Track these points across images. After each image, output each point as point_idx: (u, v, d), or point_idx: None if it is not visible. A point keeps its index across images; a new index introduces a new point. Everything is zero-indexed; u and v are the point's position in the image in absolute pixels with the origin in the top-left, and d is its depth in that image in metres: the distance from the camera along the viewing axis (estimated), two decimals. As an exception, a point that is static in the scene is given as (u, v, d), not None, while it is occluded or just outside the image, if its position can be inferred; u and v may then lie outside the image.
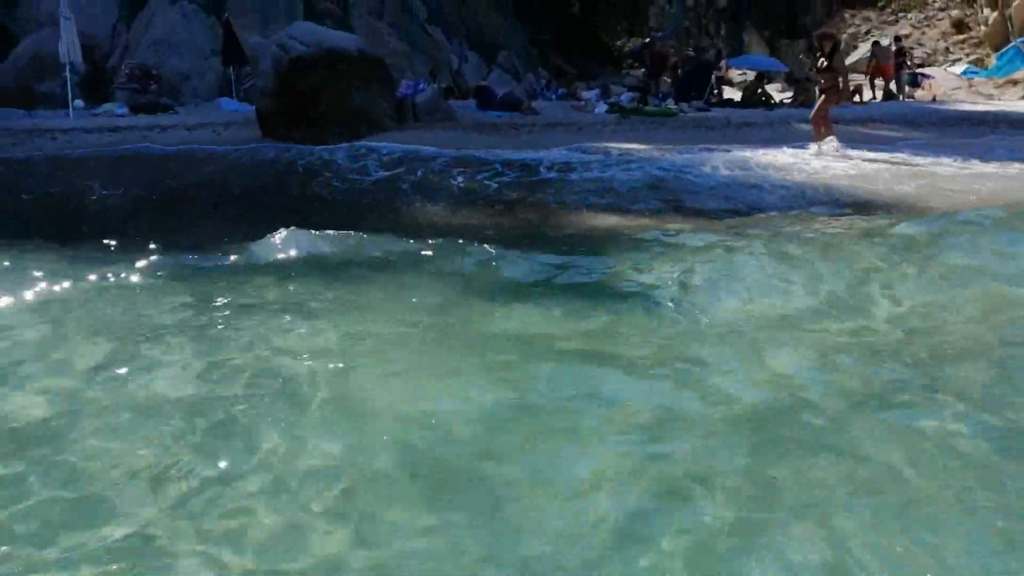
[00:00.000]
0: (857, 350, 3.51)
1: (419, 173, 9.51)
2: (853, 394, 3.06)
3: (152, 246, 5.52)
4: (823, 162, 10.04)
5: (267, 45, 13.28)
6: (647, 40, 25.21)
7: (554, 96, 21.33)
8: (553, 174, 9.29)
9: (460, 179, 9.17)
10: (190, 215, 8.12)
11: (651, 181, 8.79)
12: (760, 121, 15.56)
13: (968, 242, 4.96)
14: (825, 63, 11.00)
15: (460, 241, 5.51)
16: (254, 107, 13.68)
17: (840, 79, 11.02)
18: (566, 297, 4.40)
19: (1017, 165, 9.48)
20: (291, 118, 12.34)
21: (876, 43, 23.68)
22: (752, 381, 3.17)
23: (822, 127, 11.05)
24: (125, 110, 16.22)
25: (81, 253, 5.51)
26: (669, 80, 20.09)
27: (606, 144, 11.44)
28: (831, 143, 10.75)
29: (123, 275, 4.61)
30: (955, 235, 5.15)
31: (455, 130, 13.35)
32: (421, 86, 15.88)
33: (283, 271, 4.87)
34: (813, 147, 10.80)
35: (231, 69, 18.32)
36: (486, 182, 8.99)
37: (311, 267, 4.94)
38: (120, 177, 9.83)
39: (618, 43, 31.33)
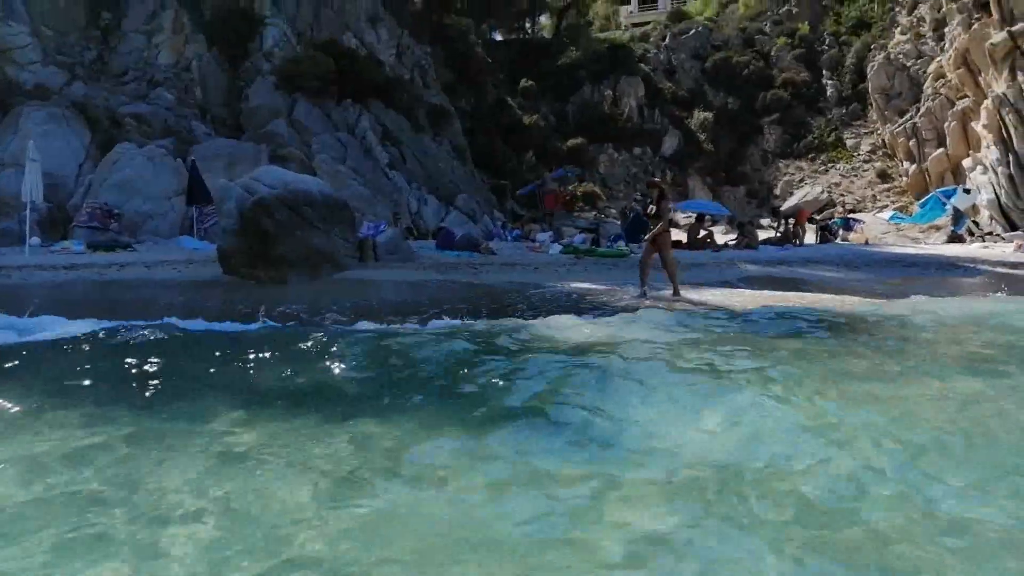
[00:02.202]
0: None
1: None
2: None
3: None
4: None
5: (232, 186, 13.64)
6: (539, 181, 26.28)
7: (510, 237, 22.08)
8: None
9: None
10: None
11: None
12: (708, 262, 16.30)
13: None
14: (654, 209, 11.26)
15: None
16: (215, 246, 13.86)
17: (663, 225, 11.07)
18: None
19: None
20: (253, 257, 12.52)
21: (776, 213, 25.64)
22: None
23: (646, 272, 11.12)
24: (83, 247, 16.26)
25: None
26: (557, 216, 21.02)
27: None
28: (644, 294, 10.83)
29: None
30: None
31: (416, 269, 13.66)
32: (382, 227, 16.35)
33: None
34: (633, 291, 11.05)
35: (194, 208, 18.70)
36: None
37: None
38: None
39: (569, 188, 32.86)
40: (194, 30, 24.68)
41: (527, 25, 51.06)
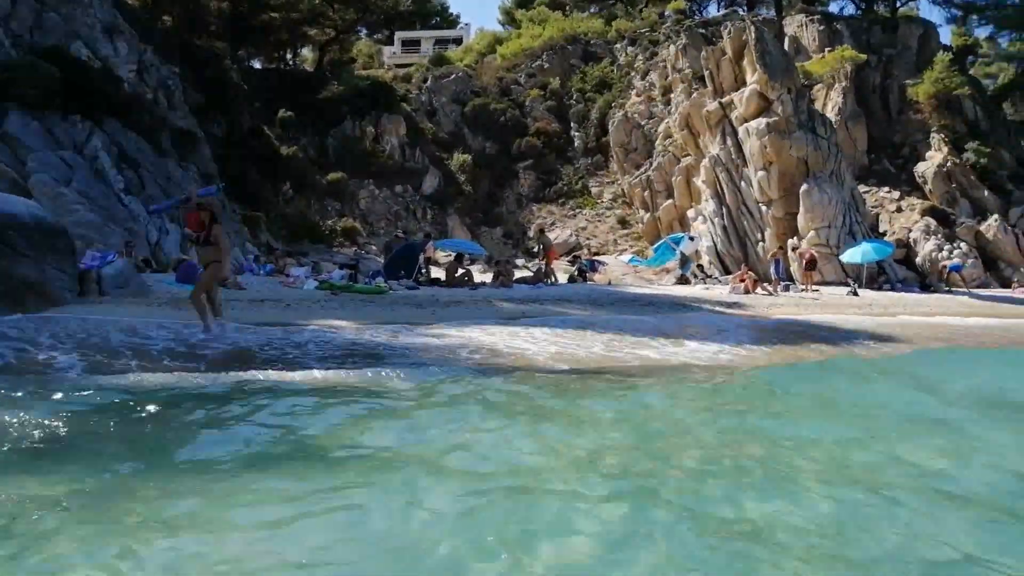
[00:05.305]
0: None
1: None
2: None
3: None
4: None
5: (-91, 206, 11.42)
6: (184, 196, 21.36)
7: (262, 272, 20.88)
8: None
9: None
10: None
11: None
12: (466, 300, 16.53)
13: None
14: (205, 235, 9.96)
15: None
16: None
17: (222, 254, 10.04)
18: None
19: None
20: (-65, 289, 10.52)
21: (541, 231, 26.86)
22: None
23: (200, 304, 10.13)
24: None
25: None
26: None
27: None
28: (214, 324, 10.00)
29: None
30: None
31: (147, 306, 12.29)
32: (110, 258, 14.61)
33: None
34: (200, 325, 10.04)
35: None
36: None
37: None
38: None
39: (329, 222, 32.07)
40: None
41: (288, 56, 49.62)
